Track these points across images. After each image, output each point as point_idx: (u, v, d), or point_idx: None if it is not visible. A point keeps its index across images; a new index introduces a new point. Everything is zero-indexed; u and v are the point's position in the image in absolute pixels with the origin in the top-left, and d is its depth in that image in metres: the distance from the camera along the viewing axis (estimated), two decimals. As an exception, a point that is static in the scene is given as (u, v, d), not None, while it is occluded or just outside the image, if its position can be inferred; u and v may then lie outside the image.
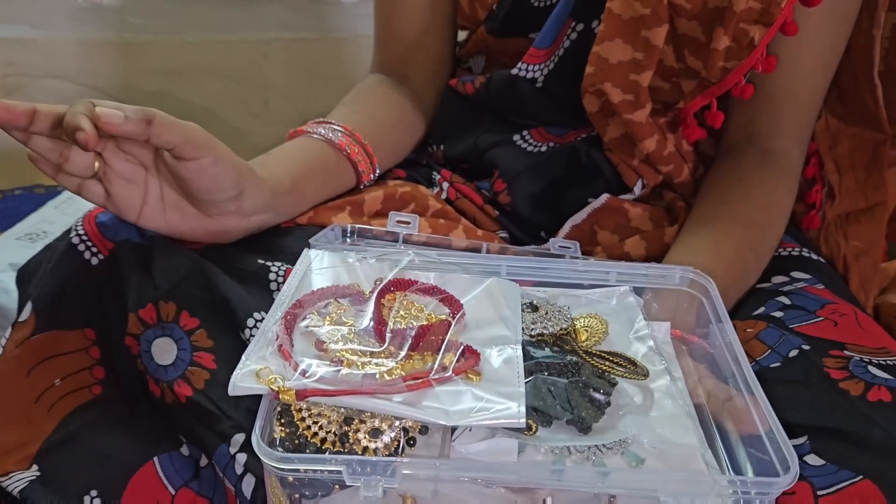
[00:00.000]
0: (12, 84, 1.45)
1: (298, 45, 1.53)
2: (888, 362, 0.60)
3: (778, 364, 0.61)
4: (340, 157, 0.75)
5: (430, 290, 0.60)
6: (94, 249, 0.64)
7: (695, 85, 0.76)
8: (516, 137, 0.83)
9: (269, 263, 0.64)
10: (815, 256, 0.81)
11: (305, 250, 0.63)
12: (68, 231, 0.66)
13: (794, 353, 0.62)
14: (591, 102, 0.76)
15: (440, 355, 0.53)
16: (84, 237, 0.64)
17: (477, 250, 0.67)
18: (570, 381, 0.53)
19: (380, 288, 0.59)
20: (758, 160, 0.79)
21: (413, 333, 0.54)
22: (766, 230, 0.76)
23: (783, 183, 0.80)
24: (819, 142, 0.88)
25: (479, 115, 0.85)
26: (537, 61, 0.79)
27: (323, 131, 0.75)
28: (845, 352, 0.62)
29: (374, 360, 0.52)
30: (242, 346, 0.57)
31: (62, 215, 1.13)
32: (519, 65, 0.80)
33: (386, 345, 0.54)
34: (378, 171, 0.79)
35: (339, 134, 0.75)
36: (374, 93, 0.86)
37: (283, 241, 0.68)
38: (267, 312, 0.56)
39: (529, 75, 0.80)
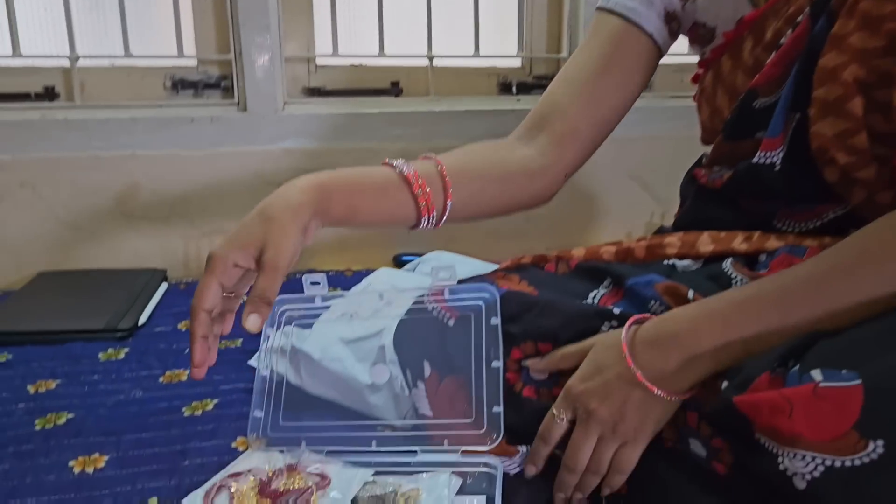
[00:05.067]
0: None
1: None
2: None
3: None
4: (403, 188, 0.89)
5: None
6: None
7: None
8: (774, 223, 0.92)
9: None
10: None
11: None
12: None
13: None
14: (832, 172, 0.83)
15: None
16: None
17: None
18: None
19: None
20: None
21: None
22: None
23: None
24: None
25: (724, 210, 0.97)
26: (772, 149, 0.89)
27: (400, 163, 0.90)
28: None
29: None
30: None
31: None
32: (758, 154, 0.89)
33: None
34: (449, 213, 0.92)
35: (413, 168, 0.89)
36: (482, 146, 1.02)
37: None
38: None
39: (768, 161, 0.89)
